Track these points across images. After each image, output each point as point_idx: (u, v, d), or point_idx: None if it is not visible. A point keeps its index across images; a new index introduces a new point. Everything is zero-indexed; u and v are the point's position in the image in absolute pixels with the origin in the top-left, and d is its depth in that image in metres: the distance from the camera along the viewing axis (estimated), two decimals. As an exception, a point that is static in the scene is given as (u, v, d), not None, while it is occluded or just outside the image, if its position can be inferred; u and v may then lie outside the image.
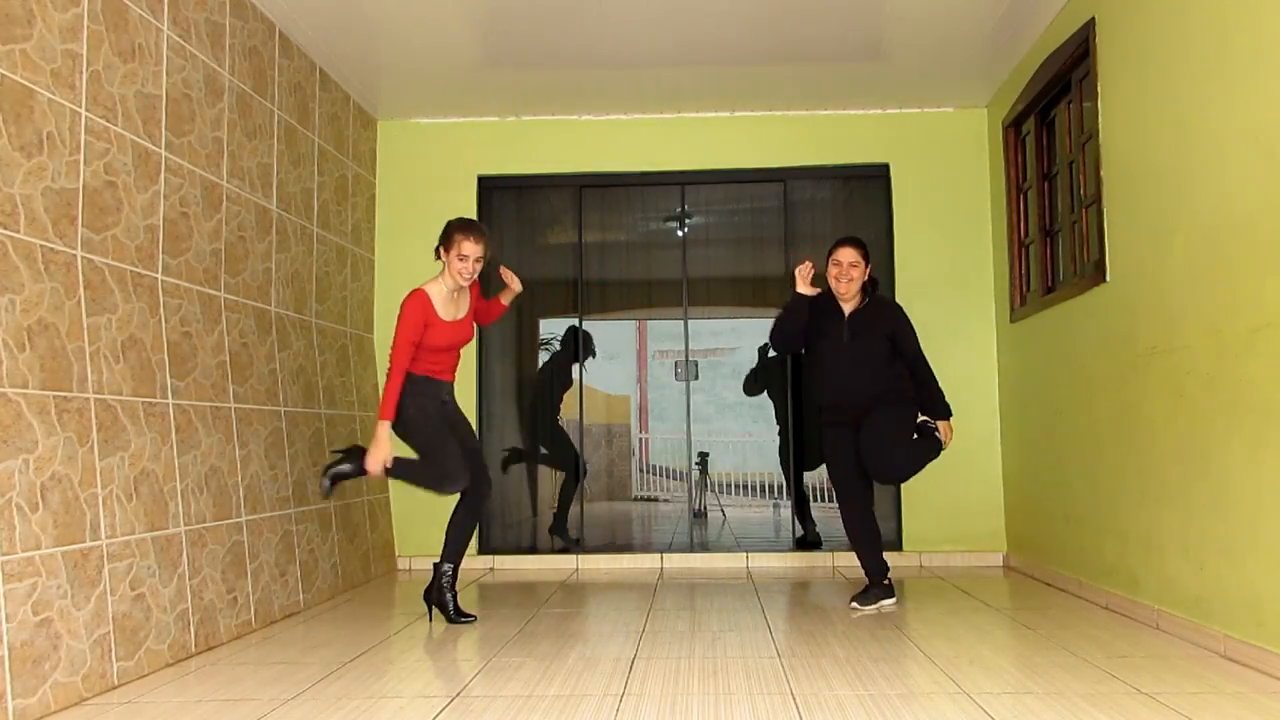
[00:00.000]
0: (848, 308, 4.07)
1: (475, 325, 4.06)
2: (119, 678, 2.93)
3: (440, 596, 3.85)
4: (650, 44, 4.77)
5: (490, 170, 5.75)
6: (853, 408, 4.06)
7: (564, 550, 5.77)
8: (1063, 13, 4.37)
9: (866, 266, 4.06)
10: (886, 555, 4.16)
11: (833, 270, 4.05)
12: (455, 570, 3.88)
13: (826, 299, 4.12)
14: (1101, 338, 3.99)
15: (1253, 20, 2.91)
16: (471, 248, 3.75)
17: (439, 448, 3.79)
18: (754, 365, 6.59)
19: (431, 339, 3.76)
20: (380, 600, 4.49)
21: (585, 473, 6.30)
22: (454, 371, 3.97)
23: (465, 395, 5.60)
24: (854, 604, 4.03)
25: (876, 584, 4.07)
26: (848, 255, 4.03)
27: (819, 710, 2.53)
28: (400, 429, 3.77)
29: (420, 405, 3.77)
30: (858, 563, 4.17)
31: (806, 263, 4.09)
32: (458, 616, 3.83)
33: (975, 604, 4.14)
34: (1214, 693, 2.66)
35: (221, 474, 3.67)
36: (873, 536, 4.11)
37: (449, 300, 3.84)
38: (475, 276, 3.82)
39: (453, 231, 3.79)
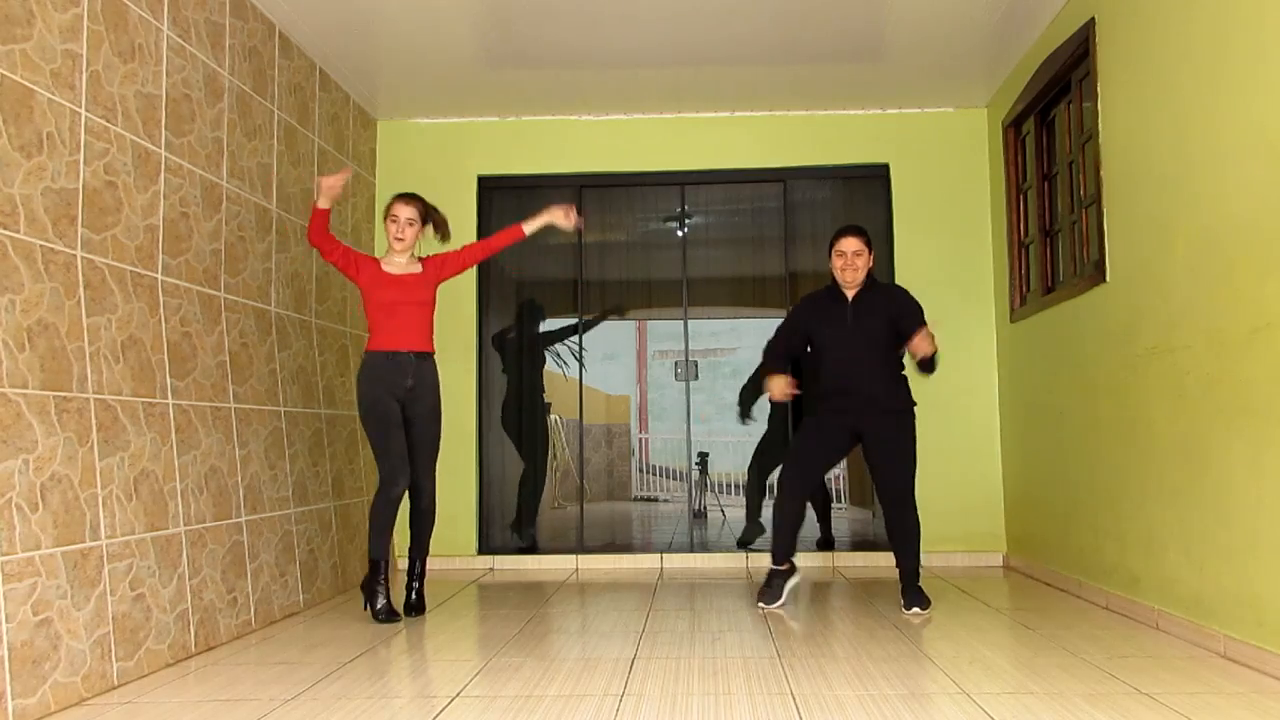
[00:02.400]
0: (850, 293, 4.07)
1: (438, 284, 4.07)
2: (119, 678, 2.93)
3: (370, 588, 3.90)
4: (650, 44, 4.77)
5: (490, 170, 5.75)
6: (856, 395, 4.00)
7: (521, 551, 5.74)
8: (1063, 13, 4.37)
9: (870, 254, 4.06)
10: (889, 555, 4.18)
11: (837, 261, 4.05)
12: (386, 565, 3.90)
13: (827, 294, 4.12)
14: (1101, 338, 3.99)
15: (1253, 20, 2.91)
16: (400, 208, 3.97)
17: (380, 445, 3.85)
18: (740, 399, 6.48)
19: (372, 290, 3.89)
20: (380, 600, 4.49)
21: (544, 476, 6.20)
22: (422, 338, 3.96)
23: (465, 396, 5.61)
24: (761, 605, 4.07)
25: (780, 569, 4.12)
26: (851, 244, 4.03)
27: (819, 710, 2.53)
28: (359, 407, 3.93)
29: (370, 389, 3.87)
30: (857, 563, 4.18)
31: (787, 390, 4.07)
32: (382, 615, 3.83)
33: (975, 604, 4.14)
34: (1214, 693, 2.66)
35: (221, 474, 3.67)
36: (800, 524, 4.19)
37: (394, 266, 3.99)
38: (410, 240, 3.96)
39: (389, 203, 4.04)
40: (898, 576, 4.04)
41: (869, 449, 4.05)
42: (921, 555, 4.03)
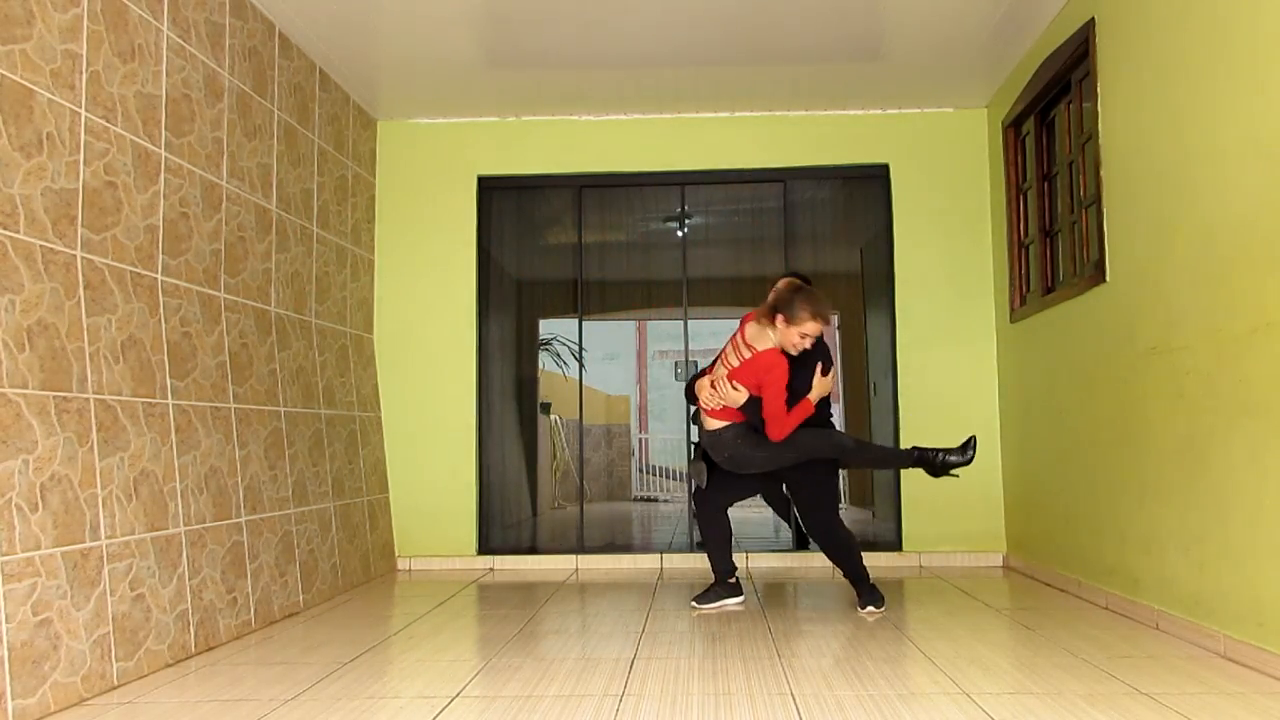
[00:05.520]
0: None
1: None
2: (119, 678, 2.93)
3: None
4: (650, 44, 4.77)
5: (490, 170, 5.75)
6: None
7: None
8: (1062, 13, 4.37)
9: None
10: (888, 555, 4.18)
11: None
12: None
13: None
14: (1101, 338, 4.00)
15: (1252, 20, 2.91)
16: (814, 328, 3.76)
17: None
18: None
19: None
20: (380, 600, 4.49)
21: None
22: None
23: (465, 396, 5.62)
24: (694, 604, 4.13)
25: (722, 582, 4.18)
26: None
27: (819, 710, 2.53)
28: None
29: None
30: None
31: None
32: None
33: (975, 604, 4.14)
34: (1214, 693, 2.66)
35: (221, 474, 3.67)
36: (730, 538, 4.29)
37: None
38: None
39: (799, 307, 3.74)
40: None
41: (789, 490, 4.22)
42: (921, 554, 4.02)
